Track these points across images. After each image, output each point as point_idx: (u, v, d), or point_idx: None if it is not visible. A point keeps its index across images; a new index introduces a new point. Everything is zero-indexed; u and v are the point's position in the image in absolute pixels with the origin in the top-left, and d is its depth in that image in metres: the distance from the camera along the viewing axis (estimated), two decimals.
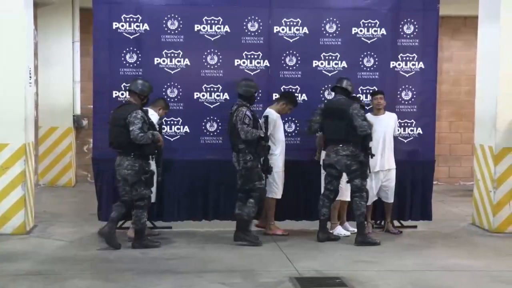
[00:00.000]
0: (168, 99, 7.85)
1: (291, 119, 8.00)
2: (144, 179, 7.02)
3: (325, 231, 7.52)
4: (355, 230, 7.81)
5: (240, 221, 7.32)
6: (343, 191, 7.77)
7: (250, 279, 5.98)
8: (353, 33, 8.10)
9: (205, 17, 7.92)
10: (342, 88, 7.48)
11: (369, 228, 7.94)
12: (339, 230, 7.86)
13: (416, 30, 8.15)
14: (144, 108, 7.18)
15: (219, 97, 7.95)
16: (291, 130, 8.04)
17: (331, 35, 8.08)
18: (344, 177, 7.64)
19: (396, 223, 8.23)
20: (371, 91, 8.08)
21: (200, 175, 7.94)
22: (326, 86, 8.08)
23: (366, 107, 7.72)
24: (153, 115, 7.36)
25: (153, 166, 7.23)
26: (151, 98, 7.31)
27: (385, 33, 8.12)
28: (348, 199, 7.83)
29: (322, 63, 8.09)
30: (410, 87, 8.20)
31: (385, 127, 7.83)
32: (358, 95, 8.08)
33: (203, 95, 7.96)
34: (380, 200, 8.03)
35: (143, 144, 6.91)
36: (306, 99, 7.99)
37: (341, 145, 7.36)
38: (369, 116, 7.85)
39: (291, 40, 8.06)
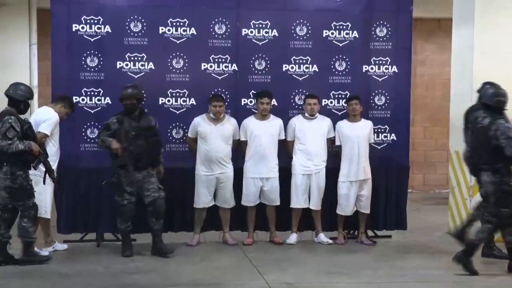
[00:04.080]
0: None
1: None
2: None
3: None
4: (329, 241, 7.92)
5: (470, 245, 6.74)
6: (314, 200, 7.89)
7: None
8: (324, 35, 8.16)
9: (170, 19, 7.90)
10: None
11: (340, 239, 8.03)
12: (322, 238, 7.96)
13: (389, 32, 8.24)
14: None
15: (185, 103, 7.93)
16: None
17: (301, 38, 8.13)
18: (315, 187, 7.78)
19: (370, 233, 8.30)
20: (343, 95, 8.15)
21: (165, 184, 7.89)
22: (296, 91, 8.13)
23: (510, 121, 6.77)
24: None
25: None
26: None
27: (357, 36, 8.19)
28: (319, 208, 7.94)
29: (292, 67, 8.13)
30: (384, 91, 8.27)
31: (362, 135, 7.90)
32: (330, 100, 8.16)
33: (169, 101, 7.93)
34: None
35: None
36: (276, 104, 8.01)
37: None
38: (344, 123, 7.92)
39: (260, 43, 8.08)
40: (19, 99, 6.82)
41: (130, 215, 7.29)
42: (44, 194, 7.17)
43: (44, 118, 7.21)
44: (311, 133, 7.87)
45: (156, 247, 7.32)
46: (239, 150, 7.92)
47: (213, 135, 7.67)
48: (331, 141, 8.02)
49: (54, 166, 7.14)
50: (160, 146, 7.45)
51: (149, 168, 7.30)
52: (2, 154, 6.62)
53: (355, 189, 7.91)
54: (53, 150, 7.23)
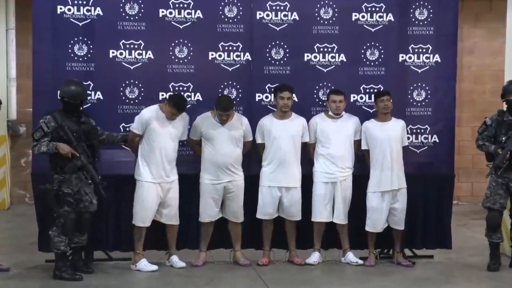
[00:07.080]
0: (127, 101, 7.88)
1: None
2: None
3: None
4: (359, 261, 7.95)
5: None
6: (339, 212, 7.94)
7: None
8: (353, 19, 8.19)
9: (172, 0, 7.97)
10: None
11: (371, 260, 8.04)
12: (350, 257, 7.98)
13: (431, 15, 8.25)
14: None
15: (190, 98, 7.98)
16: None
17: (326, 22, 8.16)
18: (340, 197, 7.83)
19: (407, 252, 8.31)
20: (375, 90, 8.17)
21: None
22: (320, 84, 8.16)
23: None
24: None
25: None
26: None
27: (392, 20, 8.21)
28: (345, 222, 7.98)
29: (315, 56, 8.17)
30: (424, 85, 8.29)
31: (394, 137, 7.93)
32: (359, 96, 8.19)
33: None
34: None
35: None
36: (296, 100, 8.05)
37: None
38: (372, 123, 7.95)
39: (277, 28, 8.13)
40: (68, 99, 7.24)
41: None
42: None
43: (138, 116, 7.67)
44: (335, 135, 7.91)
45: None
46: (253, 154, 7.96)
47: (220, 137, 7.72)
48: (358, 144, 8.04)
49: (145, 167, 7.55)
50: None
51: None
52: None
53: (388, 201, 7.92)
54: (143, 149, 7.60)
